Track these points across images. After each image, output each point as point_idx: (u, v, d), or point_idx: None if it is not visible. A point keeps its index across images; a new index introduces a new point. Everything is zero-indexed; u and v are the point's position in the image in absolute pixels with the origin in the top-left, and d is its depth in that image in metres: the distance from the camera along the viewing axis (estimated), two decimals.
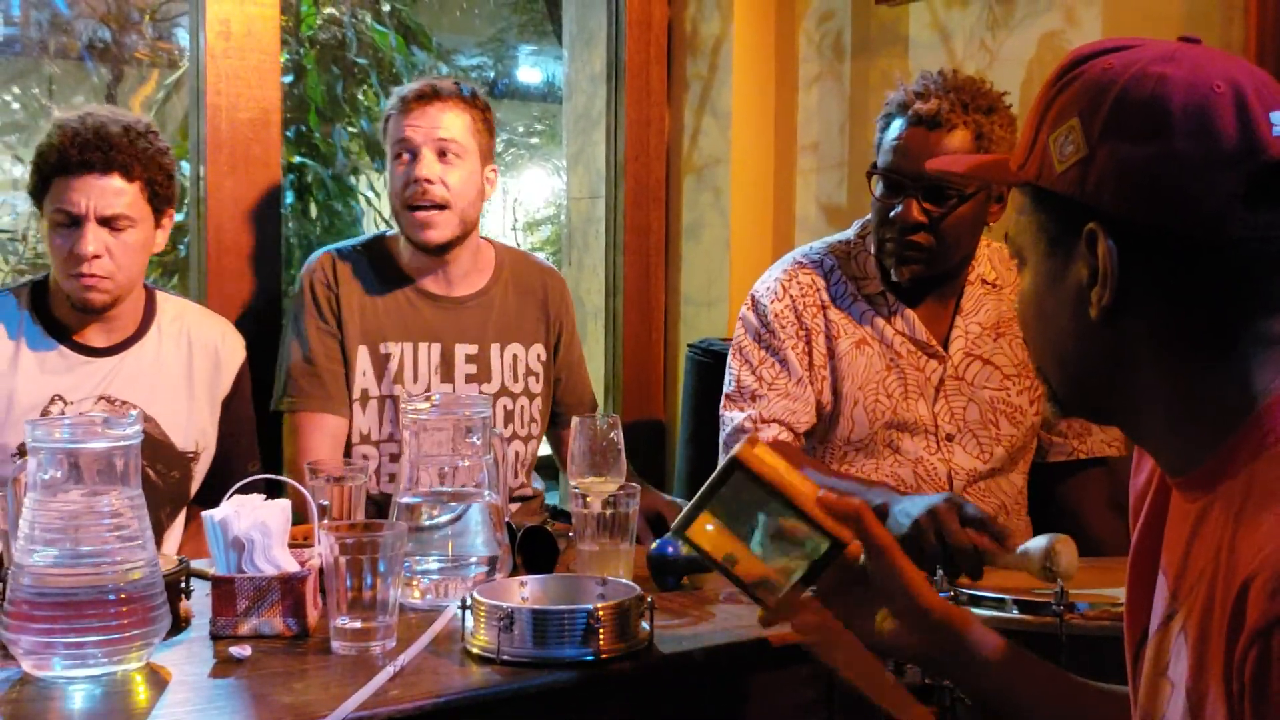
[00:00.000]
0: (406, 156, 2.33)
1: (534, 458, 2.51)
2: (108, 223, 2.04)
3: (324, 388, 2.34)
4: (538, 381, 2.48)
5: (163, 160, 2.10)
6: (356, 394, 2.37)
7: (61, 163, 2.01)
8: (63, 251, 2.04)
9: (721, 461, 1.28)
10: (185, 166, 2.94)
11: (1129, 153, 0.97)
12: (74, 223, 2.03)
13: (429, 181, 2.30)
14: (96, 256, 2.03)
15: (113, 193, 2.03)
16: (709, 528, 1.26)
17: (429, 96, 2.33)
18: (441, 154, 2.32)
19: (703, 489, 1.28)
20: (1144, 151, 0.96)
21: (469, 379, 2.41)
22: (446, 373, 2.40)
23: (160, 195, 2.11)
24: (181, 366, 2.23)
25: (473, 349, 2.42)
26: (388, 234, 2.48)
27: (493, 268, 2.49)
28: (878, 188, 2.15)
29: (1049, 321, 1.06)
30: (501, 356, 2.44)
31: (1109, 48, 1.02)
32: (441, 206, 2.32)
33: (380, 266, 2.42)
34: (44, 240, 2.10)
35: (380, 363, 2.37)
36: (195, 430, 2.23)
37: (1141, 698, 1.06)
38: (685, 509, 1.29)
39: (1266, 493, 0.93)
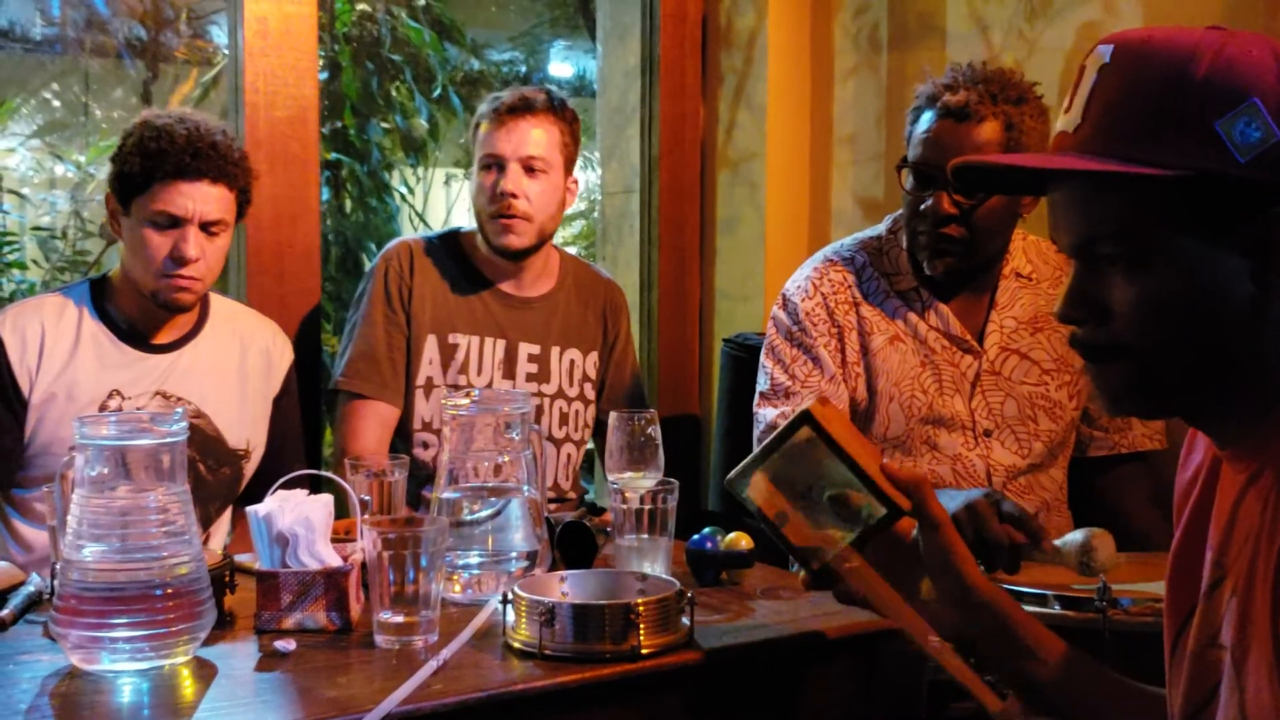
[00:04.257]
0: (494, 169, 2.40)
1: (580, 462, 2.57)
2: (205, 227, 2.09)
3: (381, 375, 2.41)
4: (592, 388, 2.56)
5: (250, 168, 2.17)
6: (421, 381, 2.43)
7: (175, 167, 2.05)
8: (160, 251, 2.08)
9: (788, 420, 1.27)
10: None
11: None
12: (174, 224, 2.07)
13: (514, 196, 2.37)
14: (197, 260, 2.08)
15: (215, 199, 2.09)
16: (763, 484, 1.26)
17: (520, 110, 2.39)
18: (529, 170, 2.39)
19: (761, 446, 1.27)
20: None
21: (530, 378, 2.48)
22: (509, 369, 2.47)
23: (246, 202, 2.18)
24: (235, 365, 2.27)
25: (535, 349, 2.49)
26: (463, 230, 2.56)
27: (558, 274, 2.56)
28: (908, 181, 2.14)
29: (1199, 314, 1.01)
30: (560, 360, 2.51)
31: (1171, 36, 1.00)
32: (524, 218, 2.38)
33: (456, 261, 2.50)
34: (125, 236, 2.12)
35: (448, 352, 2.44)
36: (247, 428, 2.26)
37: (1188, 675, 1.05)
38: (742, 463, 1.28)
39: None
